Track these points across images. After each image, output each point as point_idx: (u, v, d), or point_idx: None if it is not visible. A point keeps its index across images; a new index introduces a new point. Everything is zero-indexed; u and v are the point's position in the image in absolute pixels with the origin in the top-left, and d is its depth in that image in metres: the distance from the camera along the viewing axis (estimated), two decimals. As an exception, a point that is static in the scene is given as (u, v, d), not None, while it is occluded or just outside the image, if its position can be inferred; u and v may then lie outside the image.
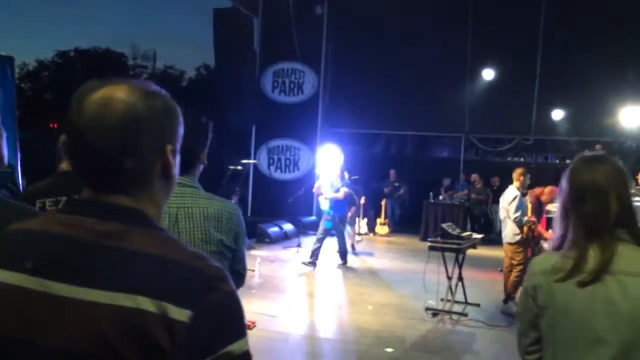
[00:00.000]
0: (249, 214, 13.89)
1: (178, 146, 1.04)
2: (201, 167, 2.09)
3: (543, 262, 1.74)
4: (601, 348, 1.59)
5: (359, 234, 12.68)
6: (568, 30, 11.95)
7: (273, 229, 11.62)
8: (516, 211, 6.66)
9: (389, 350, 5.30)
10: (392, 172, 14.16)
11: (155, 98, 0.99)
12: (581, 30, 11.72)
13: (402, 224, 13.63)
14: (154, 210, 1.00)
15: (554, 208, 3.30)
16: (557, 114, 12.47)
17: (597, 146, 7.97)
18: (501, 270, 7.58)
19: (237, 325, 0.95)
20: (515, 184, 6.90)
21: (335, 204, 9.16)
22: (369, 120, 13.66)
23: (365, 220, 12.97)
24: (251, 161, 9.06)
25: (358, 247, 11.14)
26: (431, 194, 13.08)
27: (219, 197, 2.06)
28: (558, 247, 1.73)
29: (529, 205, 7.26)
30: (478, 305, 6.91)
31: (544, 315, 1.69)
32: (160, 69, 32.60)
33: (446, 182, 14.02)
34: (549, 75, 12.28)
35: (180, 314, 0.88)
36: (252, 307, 6.44)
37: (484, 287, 7.77)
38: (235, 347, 0.92)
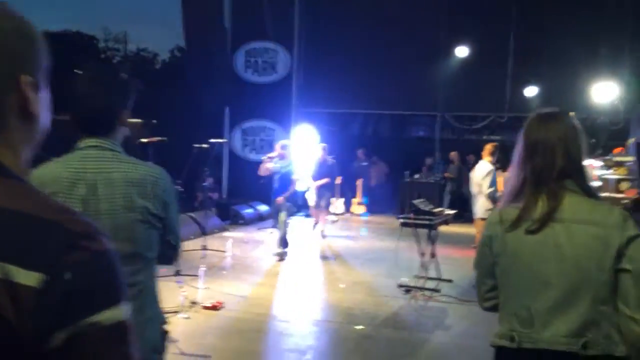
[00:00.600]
0: (224, 195, 13.71)
1: (42, 79, 0.87)
2: (124, 130, 1.93)
3: (497, 214, 1.87)
4: (549, 291, 1.71)
5: (336, 214, 12.61)
6: (541, 6, 11.89)
7: (247, 210, 11.49)
8: (490, 186, 6.60)
9: (359, 327, 5.22)
10: (359, 151, 14.04)
11: (4, 18, 0.83)
12: (554, 7, 11.67)
13: (379, 204, 13.54)
14: (11, 157, 0.83)
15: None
16: (531, 91, 12.45)
17: None
18: (474, 247, 7.55)
19: (107, 291, 0.78)
20: (487, 159, 6.85)
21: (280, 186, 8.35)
22: (344, 99, 13.50)
23: (342, 200, 12.88)
24: (219, 140, 8.79)
25: (334, 228, 11.06)
26: (407, 172, 13.01)
27: (144, 162, 1.90)
28: (512, 201, 1.85)
29: (500, 180, 7.21)
30: (451, 281, 6.88)
31: (499, 263, 1.82)
32: (133, 52, 31.95)
33: (429, 161, 13.98)
34: (523, 52, 12.23)
35: (27, 278, 0.72)
36: (221, 287, 6.33)
37: (457, 264, 7.73)
38: (103, 317, 0.76)
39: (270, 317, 5.50)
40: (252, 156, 13.98)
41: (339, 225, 11.56)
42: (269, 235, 9.83)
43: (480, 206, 6.74)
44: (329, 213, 11.57)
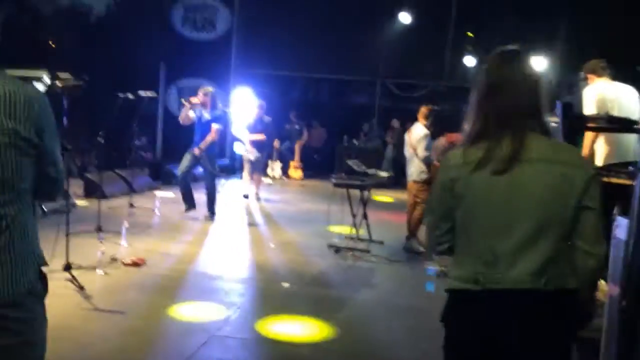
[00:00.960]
0: (158, 156, 13.26)
1: None
2: None
3: (457, 155, 1.81)
4: (516, 231, 1.71)
5: (273, 177, 12.44)
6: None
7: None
8: (426, 150, 6.59)
9: (286, 285, 5.14)
10: (291, 114, 13.84)
11: None
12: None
13: (317, 168, 13.46)
14: None
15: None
16: (470, 60, 12.58)
17: None
18: (407, 211, 7.59)
19: None
20: (422, 122, 6.82)
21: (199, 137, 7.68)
22: (285, 62, 13.26)
23: (279, 164, 12.70)
24: (148, 93, 8.32)
25: (270, 190, 10.90)
26: (345, 137, 12.96)
27: (18, 80, 1.67)
28: (470, 142, 1.80)
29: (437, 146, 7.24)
30: (381, 242, 6.89)
31: (461, 206, 1.78)
32: (66, 4, 30.10)
33: (365, 127, 13.94)
34: (464, 21, 12.30)
35: None
36: (145, 245, 6.09)
37: (389, 227, 7.77)
38: None
39: (195, 274, 5.33)
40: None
41: (275, 189, 11.41)
42: (200, 196, 9.57)
43: (415, 169, 6.72)
44: (265, 175, 11.39)
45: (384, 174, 7.31)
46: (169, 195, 9.46)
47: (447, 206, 1.82)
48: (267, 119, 9.95)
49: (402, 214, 8.77)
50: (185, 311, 4.31)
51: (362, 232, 6.81)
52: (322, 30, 12.51)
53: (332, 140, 13.97)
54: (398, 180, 13.28)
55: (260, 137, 9.70)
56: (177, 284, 4.98)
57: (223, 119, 8.18)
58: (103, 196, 7.94)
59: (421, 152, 6.57)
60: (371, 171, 6.83)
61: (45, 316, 1.83)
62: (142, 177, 10.24)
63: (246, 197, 9.70)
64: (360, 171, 6.47)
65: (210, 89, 7.97)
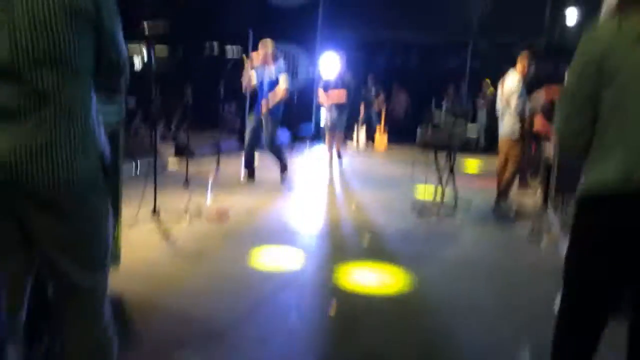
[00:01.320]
0: (246, 119, 13.51)
1: None
2: None
3: (609, 25, 1.53)
4: None
5: (357, 142, 12.30)
6: None
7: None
8: (520, 100, 6.12)
9: (366, 236, 5.03)
10: (369, 77, 13.34)
11: None
12: None
13: (402, 135, 13.14)
14: None
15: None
16: (572, 15, 11.60)
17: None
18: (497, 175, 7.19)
19: None
20: (518, 67, 6.31)
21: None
22: (372, 25, 12.91)
23: (364, 128, 12.52)
24: (234, 50, 8.24)
25: (354, 155, 10.78)
26: (433, 101, 12.50)
27: None
28: (624, 8, 1.51)
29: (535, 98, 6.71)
30: (468, 206, 6.57)
31: (613, 85, 1.49)
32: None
33: (450, 89, 13.39)
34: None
35: None
36: (229, 200, 6.18)
37: (478, 192, 7.40)
38: None
39: (276, 227, 5.33)
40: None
41: (359, 154, 11.27)
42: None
43: (507, 124, 6.25)
44: (347, 136, 11.18)
45: (472, 131, 6.89)
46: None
47: (590, 90, 1.54)
48: (348, 75, 9.40)
49: (493, 179, 8.39)
50: (265, 259, 4.32)
51: (448, 195, 6.53)
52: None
53: (420, 107, 13.56)
54: (490, 147, 12.74)
55: (339, 93, 9.09)
56: (258, 234, 5.01)
57: (294, 81, 8.05)
58: (191, 156, 8.19)
59: (514, 103, 6.09)
60: (458, 129, 6.47)
61: (108, 213, 1.78)
62: (230, 140, 10.46)
63: (340, 157, 9.52)
64: (444, 128, 6.16)
65: (269, 41, 7.20)
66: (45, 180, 1.57)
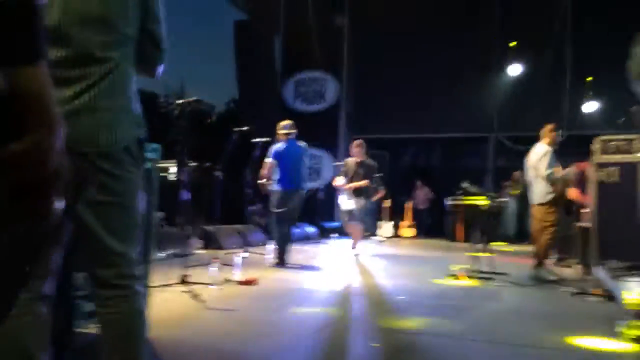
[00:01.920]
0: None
1: None
2: None
3: None
4: None
5: (384, 237, 12.16)
6: (597, 14, 11.50)
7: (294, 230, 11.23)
8: (549, 167, 6.12)
9: (401, 297, 4.79)
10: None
11: None
12: (612, 13, 11.26)
13: (428, 228, 13.02)
14: None
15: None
16: (590, 107, 11.87)
17: None
18: (530, 240, 7.00)
19: None
20: (545, 140, 6.40)
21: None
22: (393, 124, 13.34)
23: (391, 223, 12.45)
24: (262, 139, 8.61)
25: (381, 246, 10.60)
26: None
27: None
28: None
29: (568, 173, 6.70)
30: (505, 274, 6.29)
31: None
32: (191, 107, 33.16)
33: (465, 184, 13.44)
34: (580, 65, 11.80)
35: None
36: (258, 273, 6.04)
37: (513, 265, 7.13)
38: None
39: (308, 290, 5.15)
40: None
41: (386, 245, 11.09)
42: (320, 248, 9.51)
43: (539, 191, 6.22)
44: (373, 234, 11.04)
45: (504, 199, 6.80)
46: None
47: None
48: (370, 162, 8.61)
49: (527, 258, 8.11)
50: (298, 311, 4.13)
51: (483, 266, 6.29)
52: (430, 89, 12.54)
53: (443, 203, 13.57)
54: (522, 235, 12.46)
55: (363, 184, 8.32)
56: (289, 296, 4.84)
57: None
58: (220, 248, 8.18)
59: (543, 169, 6.10)
60: (489, 193, 6.41)
61: (142, 187, 1.77)
62: (257, 233, 10.46)
63: (356, 254, 8.43)
64: (476, 192, 6.10)
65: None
66: (86, 142, 1.59)
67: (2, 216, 0.69)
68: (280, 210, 6.90)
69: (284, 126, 7.09)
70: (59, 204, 0.75)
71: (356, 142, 8.63)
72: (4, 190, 0.67)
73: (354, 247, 8.44)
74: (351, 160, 8.43)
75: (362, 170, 8.38)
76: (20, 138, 0.66)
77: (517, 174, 12.61)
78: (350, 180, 8.35)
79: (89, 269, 1.75)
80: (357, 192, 8.35)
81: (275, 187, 6.98)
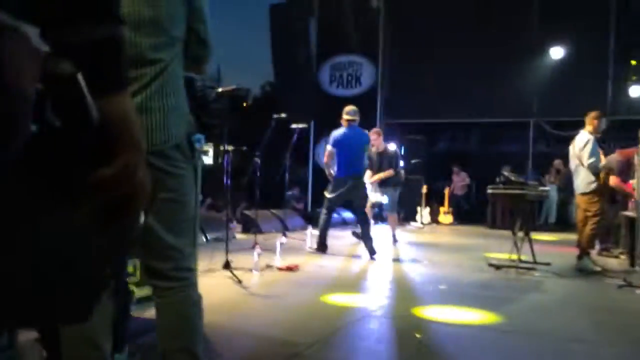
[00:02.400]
0: (309, 207, 13.68)
1: None
2: None
3: None
4: None
5: (422, 223, 12.11)
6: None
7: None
8: (590, 156, 5.99)
9: (442, 287, 4.79)
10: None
11: None
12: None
13: (466, 214, 12.90)
14: None
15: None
16: (636, 91, 11.49)
17: None
18: (577, 227, 6.87)
19: None
20: (588, 128, 6.26)
21: None
22: (431, 109, 13.16)
23: (428, 209, 12.38)
24: (300, 125, 8.65)
25: (418, 233, 10.57)
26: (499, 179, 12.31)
27: None
28: None
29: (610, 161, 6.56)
30: (548, 264, 6.20)
31: None
32: (227, 91, 33.47)
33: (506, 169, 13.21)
34: (624, 49, 11.41)
35: None
36: (298, 259, 6.12)
37: (555, 254, 7.03)
38: None
39: (348, 276, 5.21)
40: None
41: (424, 231, 11.05)
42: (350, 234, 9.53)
43: (582, 180, 6.11)
44: (412, 220, 10.97)
45: (544, 188, 6.69)
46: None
47: None
48: (391, 150, 8.29)
49: (570, 247, 7.98)
50: (340, 298, 4.18)
51: (525, 258, 6.21)
52: (468, 73, 12.30)
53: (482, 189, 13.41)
54: (564, 225, 12.24)
55: (387, 174, 8.04)
56: (330, 282, 4.90)
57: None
58: (259, 232, 8.29)
59: (586, 158, 5.97)
60: (531, 182, 6.31)
61: (195, 184, 1.83)
62: (295, 218, 10.56)
63: (395, 241, 8.23)
64: (518, 181, 6.01)
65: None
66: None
67: (96, 230, 0.74)
68: (331, 196, 6.78)
69: (348, 112, 6.85)
70: (142, 214, 0.81)
71: (374, 130, 8.32)
72: (98, 209, 0.72)
73: (392, 237, 8.30)
74: (372, 151, 8.05)
75: (385, 160, 8.12)
76: (110, 161, 0.71)
77: (557, 162, 12.37)
78: (375, 172, 8.11)
79: (146, 260, 1.81)
80: (384, 184, 8.12)
81: (334, 173, 6.84)
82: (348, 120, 6.79)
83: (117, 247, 0.82)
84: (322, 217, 6.92)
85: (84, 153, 0.68)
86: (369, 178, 7.83)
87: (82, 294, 0.74)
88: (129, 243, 0.93)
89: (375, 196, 7.99)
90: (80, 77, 0.66)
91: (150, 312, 2.76)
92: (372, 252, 6.46)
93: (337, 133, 6.81)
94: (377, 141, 8.12)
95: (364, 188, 6.95)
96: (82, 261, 0.72)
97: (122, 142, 0.73)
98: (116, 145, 0.72)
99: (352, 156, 6.61)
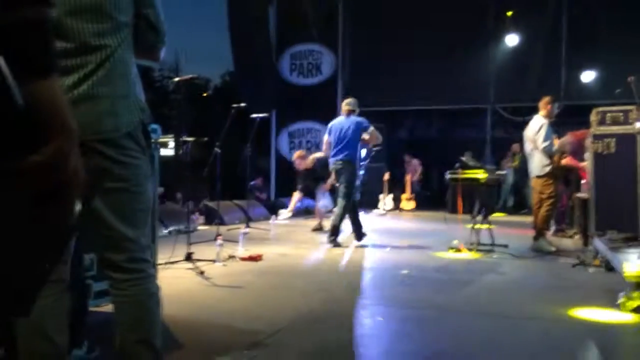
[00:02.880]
0: (272, 196, 13.68)
1: None
2: None
3: None
4: None
5: (385, 210, 12.25)
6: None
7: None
8: (544, 140, 6.17)
9: (404, 271, 4.87)
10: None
11: None
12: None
13: (428, 202, 13.12)
14: None
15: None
16: (588, 76, 11.84)
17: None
18: (530, 210, 7.10)
19: None
20: (542, 112, 6.44)
21: None
22: (391, 97, 13.28)
23: (391, 196, 12.53)
24: (261, 115, 8.63)
25: (382, 219, 10.69)
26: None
27: None
28: None
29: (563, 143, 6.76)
30: (505, 245, 6.37)
31: None
32: (185, 80, 32.90)
33: (467, 156, 13.49)
34: (576, 35, 11.73)
35: None
36: (261, 249, 6.11)
37: (512, 236, 7.22)
38: None
39: (310, 266, 5.23)
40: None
41: (388, 217, 11.18)
42: (312, 221, 9.56)
43: (537, 163, 6.29)
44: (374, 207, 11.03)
45: (502, 172, 6.85)
46: (283, 222, 9.60)
47: None
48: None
49: (526, 229, 8.20)
50: (303, 286, 4.20)
51: (484, 239, 6.35)
52: (426, 61, 12.45)
53: (442, 176, 13.65)
54: (519, 207, 12.58)
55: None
56: (291, 272, 4.90)
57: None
58: (222, 223, 8.24)
59: (541, 142, 6.14)
60: (489, 167, 6.46)
61: (150, 174, 1.79)
62: (258, 208, 10.52)
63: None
64: (476, 166, 6.14)
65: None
66: (87, 130, 1.60)
67: (28, 220, 0.72)
68: (335, 184, 7.06)
69: (349, 102, 6.97)
70: (78, 203, 0.79)
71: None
72: (28, 198, 0.70)
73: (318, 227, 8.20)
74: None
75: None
76: (39, 148, 0.69)
77: (515, 146, 12.66)
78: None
79: (101, 253, 1.78)
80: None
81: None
82: (348, 110, 6.89)
83: (53, 239, 0.80)
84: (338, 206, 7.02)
85: (10, 140, 0.66)
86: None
87: (17, 287, 0.72)
88: (67, 234, 0.91)
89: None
90: (1, 60, 0.63)
91: (110, 306, 2.73)
92: (359, 236, 6.66)
93: (333, 121, 7.01)
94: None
95: (354, 173, 6.82)
96: (13, 253, 0.69)
97: (52, 128, 0.71)
98: (46, 132, 0.70)
99: (343, 140, 6.66)
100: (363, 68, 13.54)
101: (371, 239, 7.27)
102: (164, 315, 3.06)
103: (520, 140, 13.69)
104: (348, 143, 6.64)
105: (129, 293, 1.76)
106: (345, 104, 6.97)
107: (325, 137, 7.02)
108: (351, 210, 6.66)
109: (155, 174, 3.26)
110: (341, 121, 6.82)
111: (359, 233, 6.69)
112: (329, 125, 6.96)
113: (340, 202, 6.53)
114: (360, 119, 6.88)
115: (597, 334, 2.97)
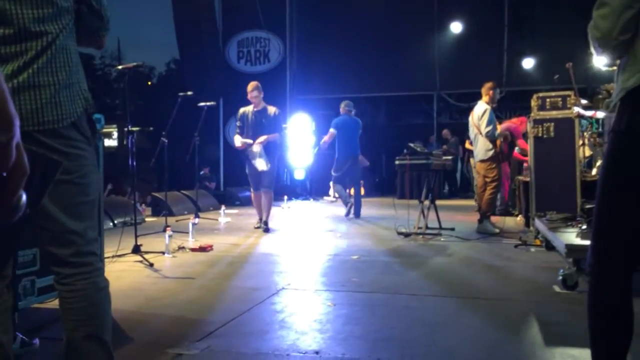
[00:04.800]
0: (221, 185, 13.53)
1: None
2: None
3: None
4: None
5: (335, 197, 12.32)
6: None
7: (243, 194, 11.23)
8: (488, 125, 6.35)
9: (355, 257, 4.93)
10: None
11: None
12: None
13: (378, 189, 13.29)
14: None
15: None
16: (528, 63, 12.24)
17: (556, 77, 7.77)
18: (475, 193, 7.32)
19: None
20: (485, 98, 6.62)
21: None
22: (339, 84, 13.32)
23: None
24: (208, 103, 8.54)
25: (332, 205, 10.78)
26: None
27: None
28: None
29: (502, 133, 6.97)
30: (452, 229, 6.56)
31: None
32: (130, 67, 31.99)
33: (418, 144, 13.76)
34: (518, 24, 12.09)
35: None
36: (211, 239, 6.06)
37: (458, 221, 7.42)
38: None
39: (260, 255, 5.22)
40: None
41: (337, 204, 11.26)
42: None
43: (481, 148, 6.48)
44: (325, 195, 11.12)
45: (448, 157, 7.03)
46: (233, 212, 9.52)
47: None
48: (272, 109, 6.85)
49: (471, 213, 8.45)
50: (253, 275, 4.19)
51: (431, 224, 6.51)
52: (373, 49, 12.59)
53: (390, 162, 13.84)
54: (461, 192, 12.95)
55: (273, 136, 6.68)
56: (243, 261, 4.88)
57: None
58: (170, 214, 8.09)
59: (484, 127, 6.33)
60: (435, 152, 6.60)
61: (96, 167, 1.76)
62: (208, 197, 10.39)
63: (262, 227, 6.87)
64: (423, 152, 6.27)
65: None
66: (29, 120, 1.54)
67: None
68: (337, 174, 8.32)
69: (347, 104, 8.44)
70: (24, 197, 0.76)
71: (251, 84, 6.85)
72: None
73: (265, 219, 6.85)
74: (248, 110, 6.82)
75: (265, 121, 6.67)
76: None
77: (445, 132, 13.06)
78: (252, 135, 6.66)
79: (45, 247, 1.72)
80: (267, 149, 6.60)
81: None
82: (346, 110, 8.41)
83: (5, 235, 0.77)
84: (337, 189, 8.57)
85: None
86: (239, 142, 6.71)
87: None
88: (14, 230, 0.88)
89: (260, 163, 6.51)
90: None
91: (54, 303, 2.64)
92: (357, 213, 8.21)
93: (338, 119, 8.41)
94: (253, 98, 6.77)
95: (359, 166, 8.43)
96: None
97: None
98: None
99: (349, 139, 8.16)
100: (311, 55, 13.52)
101: (321, 226, 7.33)
102: (114, 310, 3.01)
103: (465, 125, 14.06)
104: (355, 141, 8.34)
105: (77, 288, 1.71)
106: (347, 107, 8.45)
107: (332, 130, 8.37)
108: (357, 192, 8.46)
109: (100, 165, 3.17)
110: (348, 121, 8.32)
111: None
112: (336, 120, 8.44)
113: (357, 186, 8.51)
114: (358, 120, 8.51)
115: (539, 309, 3.10)
